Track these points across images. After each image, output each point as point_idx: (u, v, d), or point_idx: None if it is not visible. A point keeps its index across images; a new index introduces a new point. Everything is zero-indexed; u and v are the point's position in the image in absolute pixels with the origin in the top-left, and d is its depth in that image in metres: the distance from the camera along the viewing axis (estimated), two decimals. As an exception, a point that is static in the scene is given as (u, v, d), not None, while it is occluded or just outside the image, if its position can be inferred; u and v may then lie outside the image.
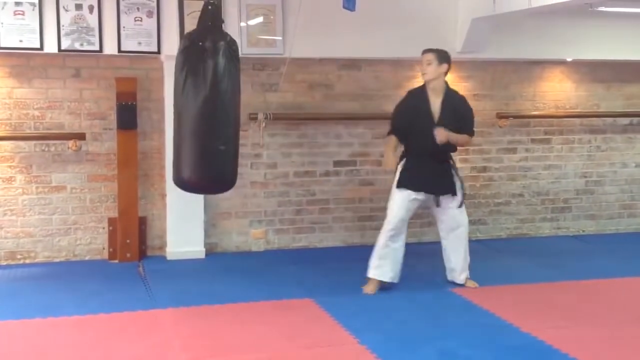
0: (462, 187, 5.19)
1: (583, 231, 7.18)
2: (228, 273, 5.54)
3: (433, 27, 6.16)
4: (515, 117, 6.85)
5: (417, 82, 6.54)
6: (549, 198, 7.08)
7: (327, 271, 5.60)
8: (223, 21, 4.42)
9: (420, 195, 5.08)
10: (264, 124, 6.10)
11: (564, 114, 7.03)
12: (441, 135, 4.97)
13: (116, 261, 5.87)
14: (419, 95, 5.15)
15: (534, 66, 6.89)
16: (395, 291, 5.09)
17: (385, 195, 6.56)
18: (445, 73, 5.11)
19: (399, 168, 5.12)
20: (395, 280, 5.08)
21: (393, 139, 5.12)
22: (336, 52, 6.08)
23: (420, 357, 3.93)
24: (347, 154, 6.50)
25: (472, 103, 6.64)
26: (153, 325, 4.43)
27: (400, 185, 5.08)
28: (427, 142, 5.00)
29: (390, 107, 6.50)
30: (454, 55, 6.24)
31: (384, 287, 5.09)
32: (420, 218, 6.69)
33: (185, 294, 4.99)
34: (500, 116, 6.79)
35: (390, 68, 6.50)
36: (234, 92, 4.39)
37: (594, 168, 7.19)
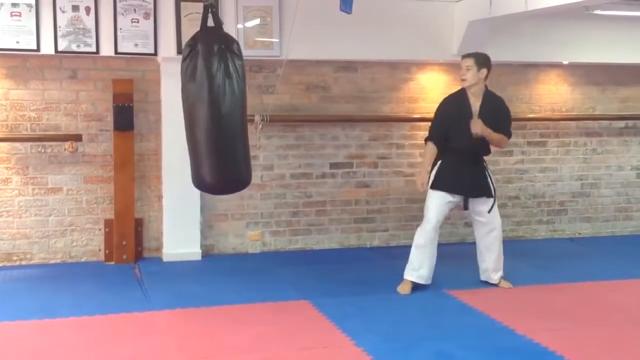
0: (494, 190, 5.21)
1: (579, 234, 7.19)
2: (224, 275, 5.54)
3: (429, 30, 6.18)
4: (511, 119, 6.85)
5: (413, 84, 6.61)
6: (544, 201, 7.09)
7: (324, 273, 5.60)
8: (222, 22, 4.40)
9: (456, 198, 5.12)
10: (260, 126, 6.10)
11: (560, 116, 7.04)
12: (477, 125, 4.97)
13: (112, 263, 5.87)
14: (459, 99, 5.15)
15: (530, 69, 6.90)
16: (392, 293, 5.09)
17: (382, 197, 6.63)
18: (486, 77, 5.13)
19: (435, 170, 5.14)
20: (429, 282, 5.13)
21: (432, 149, 5.13)
22: (333, 54, 6.09)
23: (416, 359, 3.94)
24: (344, 155, 6.50)
25: (468, 105, 6.73)
26: (149, 326, 4.43)
27: (436, 186, 5.11)
28: (464, 144, 5.04)
29: (386, 109, 6.56)
30: (450, 58, 6.31)
31: (378, 289, 5.09)
32: (416, 220, 6.69)
33: (182, 296, 4.99)
34: (497, 119, 6.79)
35: (386, 70, 6.51)
36: (241, 93, 4.33)
37: (589, 171, 7.21)
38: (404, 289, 5.10)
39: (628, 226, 7.35)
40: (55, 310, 4.64)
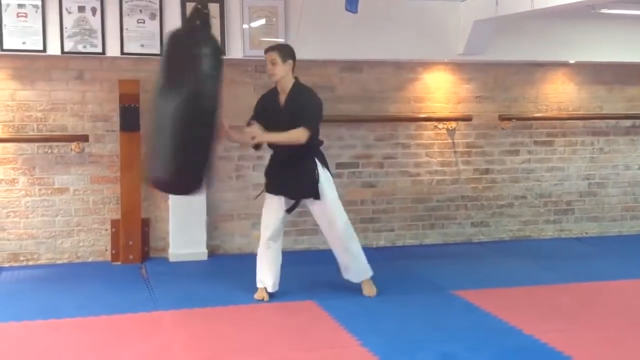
0: (321, 189, 4.80)
1: (586, 233, 7.17)
2: (230, 275, 5.54)
3: (435, 29, 6.16)
4: (517, 119, 6.84)
5: (419, 84, 6.61)
6: (551, 200, 7.07)
7: (330, 273, 5.58)
8: (210, 22, 4.34)
9: (283, 199, 4.86)
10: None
11: (567, 116, 7.02)
12: (251, 133, 4.66)
13: (119, 263, 5.88)
14: (272, 94, 4.90)
15: (537, 68, 6.88)
16: (397, 294, 5.08)
17: (387, 197, 6.62)
18: (292, 69, 4.80)
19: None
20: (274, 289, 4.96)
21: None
22: (338, 54, 6.09)
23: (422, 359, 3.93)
24: (349, 155, 6.50)
25: (474, 105, 6.75)
26: (155, 327, 4.43)
27: (265, 189, 4.94)
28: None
29: (392, 109, 6.56)
30: (455, 57, 6.30)
31: (383, 289, 5.08)
32: (422, 220, 6.70)
33: (188, 296, 5.00)
34: (503, 118, 6.79)
35: (392, 70, 6.50)
36: (213, 96, 4.20)
37: (596, 170, 7.18)
38: (259, 295, 4.94)
39: (635, 226, 7.31)
40: (62, 310, 4.65)
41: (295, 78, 4.84)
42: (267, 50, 4.82)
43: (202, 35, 4.24)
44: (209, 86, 4.20)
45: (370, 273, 5.04)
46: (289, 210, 4.89)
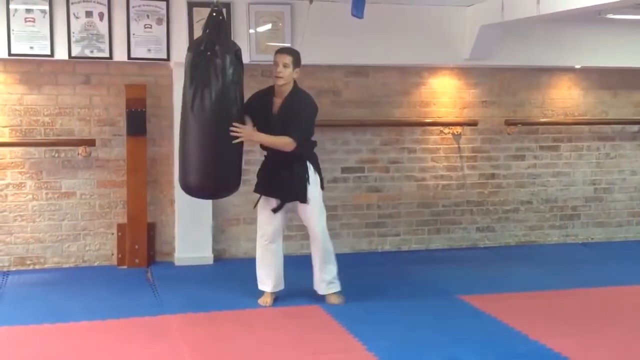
0: (311, 194, 4.78)
1: (592, 239, 7.15)
2: (236, 279, 5.55)
3: (441, 34, 6.18)
4: (523, 124, 6.84)
5: (424, 89, 6.61)
6: (557, 205, 7.06)
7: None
8: (228, 27, 4.52)
9: (273, 200, 4.85)
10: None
11: (573, 121, 7.01)
12: (241, 132, 4.60)
13: (125, 267, 5.90)
14: (264, 94, 4.86)
15: (543, 73, 6.88)
16: (403, 298, 5.08)
17: (393, 201, 6.62)
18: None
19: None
20: (278, 289, 4.99)
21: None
22: (344, 59, 6.10)
23: (428, 364, 3.94)
24: (355, 160, 6.50)
25: (480, 110, 6.74)
26: (161, 331, 4.44)
27: (256, 189, 4.94)
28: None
29: (398, 114, 6.56)
30: (461, 62, 6.30)
31: (389, 294, 5.08)
32: (428, 224, 6.70)
33: (193, 300, 5.00)
34: (509, 123, 6.78)
35: (397, 75, 6.51)
36: (237, 100, 4.55)
37: (602, 175, 7.17)
38: (262, 300, 4.93)
39: (641, 231, 7.31)
40: (68, 314, 4.67)
41: (295, 83, 4.82)
42: (281, 52, 4.78)
43: (222, 42, 4.41)
44: (232, 92, 4.47)
45: (338, 288, 4.98)
46: (274, 210, 4.87)
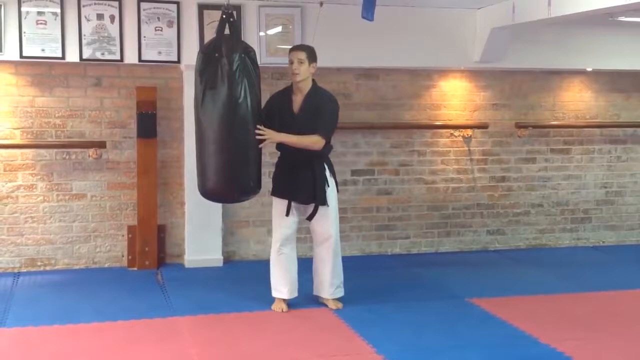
0: (329, 197, 4.74)
1: (603, 242, 7.11)
2: (245, 281, 5.56)
3: (451, 37, 6.17)
4: (534, 126, 6.82)
5: (435, 91, 6.60)
6: (568, 208, 7.03)
7: (345, 280, 5.58)
8: (239, 29, 4.52)
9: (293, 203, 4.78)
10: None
11: (584, 124, 6.98)
12: (265, 134, 4.56)
13: (135, 269, 5.91)
14: (283, 95, 4.83)
15: (554, 76, 6.85)
16: (413, 301, 5.07)
17: (403, 204, 6.61)
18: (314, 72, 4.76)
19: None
20: (293, 296, 4.91)
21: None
22: (354, 62, 6.10)
23: (438, 368, 3.93)
24: (365, 163, 6.50)
25: (491, 113, 6.73)
26: (171, 332, 4.45)
27: (273, 191, 4.87)
28: (285, 144, 4.72)
29: (408, 116, 6.56)
30: (472, 65, 6.29)
31: (399, 297, 5.06)
32: (438, 227, 6.68)
33: (203, 302, 5.01)
34: (519, 126, 6.76)
35: (407, 77, 6.50)
36: (252, 100, 4.51)
37: (614, 178, 7.13)
38: (276, 307, 4.87)
39: (653, 234, 7.26)
40: (78, 315, 4.68)
41: (313, 81, 4.80)
42: (294, 49, 4.76)
43: (234, 45, 4.41)
44: (246, 95, 4.44)
45: (341, 293, 4.95)
46: (309, 217, 4.80)
